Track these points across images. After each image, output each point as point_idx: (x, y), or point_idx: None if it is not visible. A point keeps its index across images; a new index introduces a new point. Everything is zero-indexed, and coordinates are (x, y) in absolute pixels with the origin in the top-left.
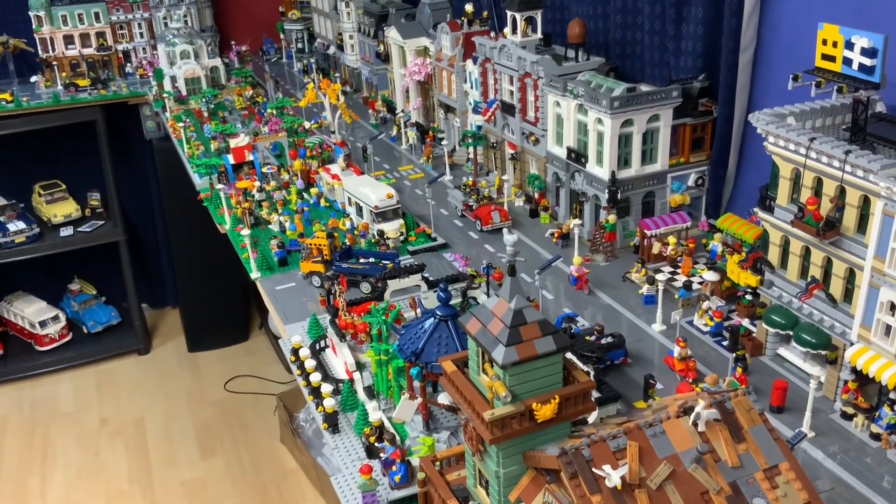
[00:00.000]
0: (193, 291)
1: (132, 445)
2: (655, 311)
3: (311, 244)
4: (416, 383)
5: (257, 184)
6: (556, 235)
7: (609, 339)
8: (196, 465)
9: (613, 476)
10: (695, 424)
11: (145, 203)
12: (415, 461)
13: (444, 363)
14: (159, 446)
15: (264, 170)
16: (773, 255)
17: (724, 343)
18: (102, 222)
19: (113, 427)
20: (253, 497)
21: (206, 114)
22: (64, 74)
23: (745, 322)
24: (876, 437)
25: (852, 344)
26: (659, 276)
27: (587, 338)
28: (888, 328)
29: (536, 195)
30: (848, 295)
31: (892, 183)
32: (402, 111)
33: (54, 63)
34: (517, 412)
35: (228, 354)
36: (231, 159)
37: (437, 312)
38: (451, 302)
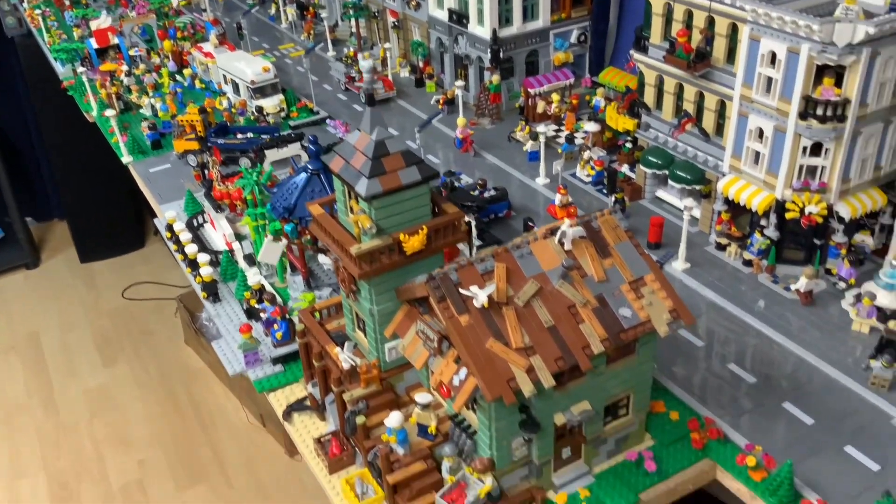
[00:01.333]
0: (79, 200)
1: (28, 360)
2: (539, 166)
3: (183, 121)
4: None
5: (125, 67)
6: (440, 102)
7: (492, 193)
8: (98, 373)
9: (480, 295)
10: (561, 243)
11: (15, 108)
12: (296, 319)
13: (311, 207)
14: (57, 359)
15: (131, 52)
16: (649, 96)
17: (605, 191)
18: None
19: (5, 343)
20: (161, 399)
21: (66, 1)
22: None
23: (625, 169)
24: (748, 263)
25: (724, 175)
26: (540, 129)
27: (471, 193)
28: (757, 155)
29: (421, 63)
30: (719, 130)
31: (757, 6)
32: None
33: None
34: (385, 245)
35: (124, 262)
36: (94, 43)
37: (309, 167)
38: None
